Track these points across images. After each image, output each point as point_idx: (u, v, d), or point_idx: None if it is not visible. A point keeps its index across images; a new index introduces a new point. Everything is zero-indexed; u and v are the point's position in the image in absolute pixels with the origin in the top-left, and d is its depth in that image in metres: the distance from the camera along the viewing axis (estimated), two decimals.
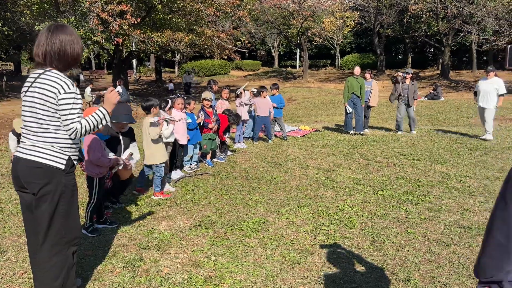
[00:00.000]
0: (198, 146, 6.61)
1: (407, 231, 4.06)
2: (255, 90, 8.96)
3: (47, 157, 2.51)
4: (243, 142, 8.56)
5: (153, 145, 5.02)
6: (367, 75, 10.39)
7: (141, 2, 16.64)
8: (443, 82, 24.87)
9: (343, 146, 8.52)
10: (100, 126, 2.64)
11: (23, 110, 2.55)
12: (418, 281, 3.10)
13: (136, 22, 15.28)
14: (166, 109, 5.47)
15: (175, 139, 5.89)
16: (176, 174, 6.05)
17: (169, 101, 5.60)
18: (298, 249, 3.66)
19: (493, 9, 21.99)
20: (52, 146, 2.53)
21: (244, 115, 8.47)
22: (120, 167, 4.10)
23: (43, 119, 2.49)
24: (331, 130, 10.71)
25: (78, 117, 2.52)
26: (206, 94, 6.85)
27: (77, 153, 2.69)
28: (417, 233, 4.00)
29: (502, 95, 8.95)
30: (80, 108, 2.55)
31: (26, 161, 2.52)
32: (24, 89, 2.56)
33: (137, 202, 5.00)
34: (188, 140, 6.20)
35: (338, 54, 38.69)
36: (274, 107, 8.80)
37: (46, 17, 17.64)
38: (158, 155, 5.09)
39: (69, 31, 2.56)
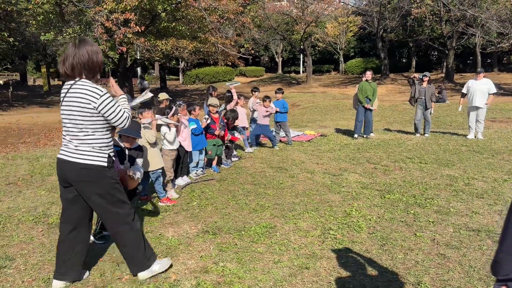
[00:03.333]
0: (203, 152, 6.61)
1: (415, 234, 4.03)
2: (257, 92, 9.00)
3: (90, 158, 2.83)
4: (249, 147, 8.54)
5: (149, 151, 5.02)
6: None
7: (145, 11, 16.77)
8: (448, 85, 24.80)
9: (348, 150, 8.49)
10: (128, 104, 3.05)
11: (63, 118, 2.87)
12: (428, 285, 3.07)
13: (140, 31, 15.40)
14: (169, 115, 5.48)
15: (182, 146, 5.91)
16: (182, 180, 6.06)
17: (173, 107, 5.63)
18: (306, 254, 3.64)
19: (497, 12, 21.95)
20: (93, 147, 2.84)
21: (243, 122, 8.31)
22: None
23: (82, 124, 2.80)
24: (336, 134, 10.69)
25: (119, 107, 2.87)
26: (212, 101, 6.87)
27: (113, 150, 3.02)
28: (426, 237, 3.96)
29: (493, 94, 9.62)
30: (114, 99, 2.90)
31: (72, 164, 2.83)
32: (60, 99, 2.89)
33: (144, 209, 5.00)
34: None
35: (342, 59, 38.65)
36: (277, 111, 8.78)
37: (52, 27, 17.82)
38: (154, 161, 5.09)
39: (92, 42, 2.86)
